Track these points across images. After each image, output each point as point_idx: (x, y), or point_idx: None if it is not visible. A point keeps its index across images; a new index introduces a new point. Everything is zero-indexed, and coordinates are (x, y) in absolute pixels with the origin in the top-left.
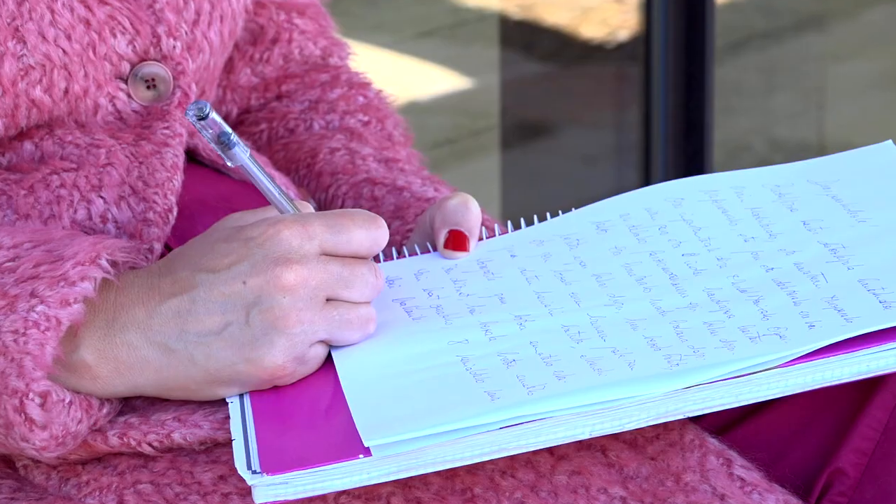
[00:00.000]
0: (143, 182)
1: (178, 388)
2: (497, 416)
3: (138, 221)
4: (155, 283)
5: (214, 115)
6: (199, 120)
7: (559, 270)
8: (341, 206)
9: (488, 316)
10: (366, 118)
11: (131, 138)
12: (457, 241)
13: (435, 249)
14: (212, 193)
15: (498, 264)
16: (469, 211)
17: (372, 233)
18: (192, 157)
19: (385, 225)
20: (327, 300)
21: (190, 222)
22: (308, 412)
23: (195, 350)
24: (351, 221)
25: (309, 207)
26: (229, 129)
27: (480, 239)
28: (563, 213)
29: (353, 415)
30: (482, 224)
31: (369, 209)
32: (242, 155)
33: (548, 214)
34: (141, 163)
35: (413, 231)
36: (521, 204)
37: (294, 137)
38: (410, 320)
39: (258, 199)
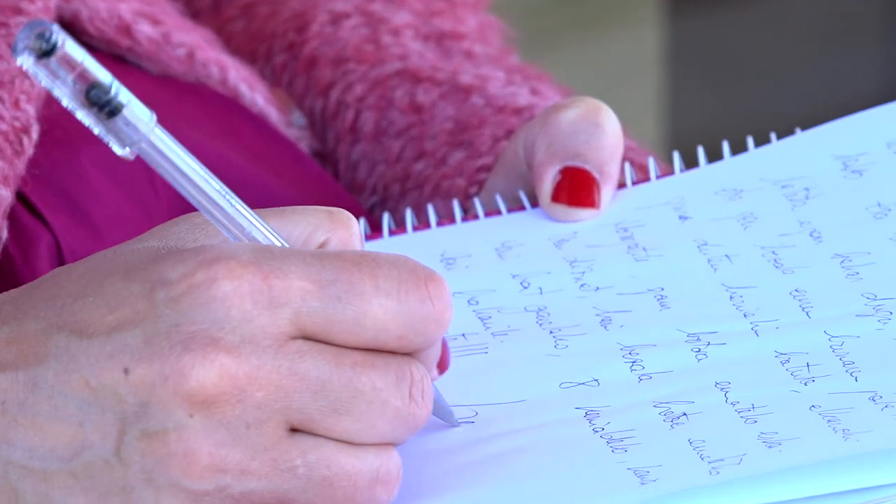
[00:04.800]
0: None
1: None
2: None
3: None
4: None
5: (71, 49)
6: (42, 57)
7: (771, 247)
8: (352, 124)
9: (635, 333)
10: None
11: None
12: (576, 188)
13: (535, 204)
14: None
15: (655, 233)
16: (600, 131)
17: (414, 307)
18: (75, 33)
19: (447, 292)
20: (292, 430)
21: (66, 154)
22: None
23: (22, 483)
24: (371, 281)
25: (351, 227)
26: (106, 78)
27: (622, 186)
28: (778, 138)
29: None
30: (624, 158)
31: (405, 129)
32: (139, 129)
33: (749, 140)
34: None
35: (493, 170)
36: (700, 118)
37: None
38: (489, 337)
39: (222, 118)
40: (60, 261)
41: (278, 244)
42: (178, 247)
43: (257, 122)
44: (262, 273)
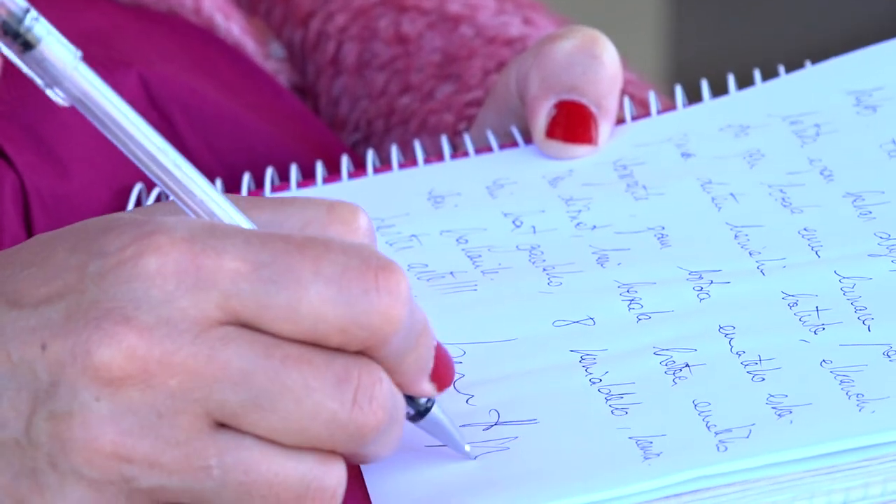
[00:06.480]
0: None
1: None
2: (656, 485)
3: None
4: None
5: None
6: None
7: (779, 186)
8: (334, 56)
9: (634, 270)
10: None
11: None
12: (573, 123)
13: (528, 140)
14: (73, 25)
15: (656, 171)
16: (598, 63)
17: (355, 296)
18: None
19: (401, 286)
20: (219, 426)
21: (33, 88)
22: None
23: None
24: (313, 265)
25: (352, 223)
26: (20, 6)
27: (620, 121)
28: (788, 71)
29: (364, 474)
30: (623, 91)
31: (390, 61)
32: (58, 67)
33: (756, 73)
34: None
35: (483, 105)
36: (704, 49)
37: None
38: (478, 275)
39: (195, 49)
40: (25, 200)
41: (232, 215)
42: (135, 219)
43: (233, 54)
44: (192, 252)
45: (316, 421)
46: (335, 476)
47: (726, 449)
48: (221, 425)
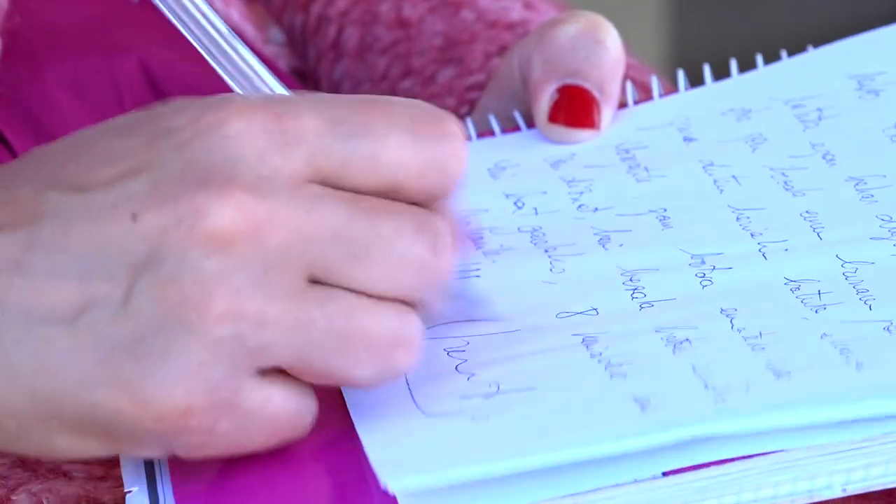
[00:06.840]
0: None
1: None
2: (652, 440)
3: None
4: None
5: None
6: None
7: (781, 169)
8: (335, 40)
9: (636, 253)
10: None
11: None
12: (575, 108)
13: (530, 125)
14: (74, 11)
15: (658, 154)
16: (601, 48)
17: (431, 142)
18: None
19: (461, 130)
20: (312, 282)
21: (31, 72)
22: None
23: (16, 348)
24: (386, 119)
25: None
26: None
27: (623, 106)
28: (790, 55)
29: (361, 438)
30: (625, 76)
31: (391, 45)
32: None
33: (758, 58)
34: None
35: (486, 89)
36: (706, 34)
37: None
38: (480, 256)
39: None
40: None
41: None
42: (188, 102)
43: None
44: (273, 113)
45: (406, 267)
46: (418, 325)
47: (724, 401)
48: (316, 281)
